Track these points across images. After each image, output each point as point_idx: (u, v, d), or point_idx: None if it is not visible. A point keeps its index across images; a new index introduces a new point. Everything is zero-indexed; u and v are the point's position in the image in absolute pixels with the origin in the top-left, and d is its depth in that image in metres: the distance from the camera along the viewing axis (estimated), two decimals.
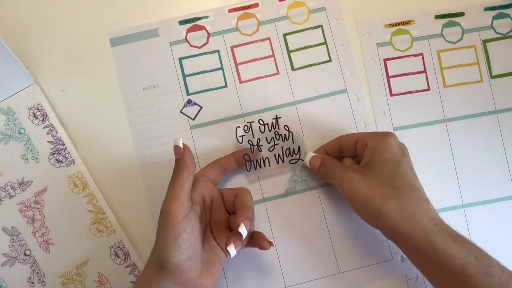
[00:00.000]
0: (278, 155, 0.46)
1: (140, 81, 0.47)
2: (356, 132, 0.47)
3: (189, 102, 0.47)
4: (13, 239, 0.45)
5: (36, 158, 0.45)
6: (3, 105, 0.46)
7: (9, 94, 0.46)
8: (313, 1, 0.49)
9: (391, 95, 0.48)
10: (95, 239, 0.45)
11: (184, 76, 0.48)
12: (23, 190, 0.45)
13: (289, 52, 0.48)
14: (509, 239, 0.47)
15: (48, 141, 0.46)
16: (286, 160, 0.46)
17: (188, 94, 0.48)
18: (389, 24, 0.49)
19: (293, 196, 0.46)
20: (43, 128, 0.46)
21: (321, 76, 0.48)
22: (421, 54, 0.49)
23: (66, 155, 0.46)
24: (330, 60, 0.48)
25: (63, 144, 0.46)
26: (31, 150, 0.46)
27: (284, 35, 0.49)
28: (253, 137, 0.45)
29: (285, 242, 0.46)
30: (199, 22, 0.48)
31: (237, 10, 0.49)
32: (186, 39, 0.48)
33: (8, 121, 0.46)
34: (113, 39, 0.48)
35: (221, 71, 0.48)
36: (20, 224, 0.45)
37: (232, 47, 0.48)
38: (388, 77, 0.49)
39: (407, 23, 0.49)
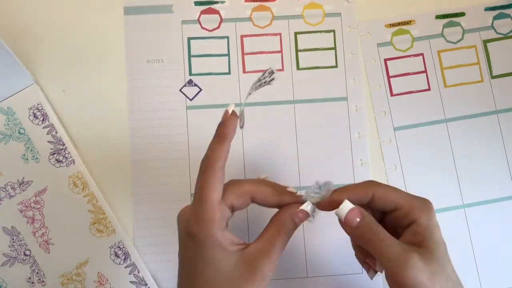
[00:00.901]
0: None
1: (146, 56, 0.47)
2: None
3: (189, 82, 0.47)
4: (13, 239, 0.45)
5: (36, 158, 0.45)
6: (3, 105, 0.46)
7: (9, 94, 0.46)
8: (330, 6, 0.49)
9: (392, 95, 0.48)
10: (95, 239, 0.45)
11: (190, 56, 0.48)
12: (23, 190, 0.45)
13: (297, 51, 0.48)
14: (509, 239, 0.47)
15: (48, 141, 0.46)
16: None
17: (190, 74, 0.48)
18: (390, 24, 0.49)
19: None
20: (43, 128, 0.46)
21: (324, 80, 0.48)
22: (422, 54, 0.49)
23: (66, 155, 0.46)
24: (336, 66, 0.48)
25: (63, 144, 0.46)
26: (31, 150, 0.45)
27: (296, 33, 0.48)
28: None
29: None
30: (214, 6, 0.48)
31: (254, 1, 0.49)
32: (198, 20, 0.48)
33: (8, 121, 0.46)
34: (127, 7, 0.48)
35: (227, 57, 0.48)
36: (20, 224, 0.45)
37: (242, 36, 0.48)
38: (388, 77, 0.49)
39: (407, 23, 0.49)
